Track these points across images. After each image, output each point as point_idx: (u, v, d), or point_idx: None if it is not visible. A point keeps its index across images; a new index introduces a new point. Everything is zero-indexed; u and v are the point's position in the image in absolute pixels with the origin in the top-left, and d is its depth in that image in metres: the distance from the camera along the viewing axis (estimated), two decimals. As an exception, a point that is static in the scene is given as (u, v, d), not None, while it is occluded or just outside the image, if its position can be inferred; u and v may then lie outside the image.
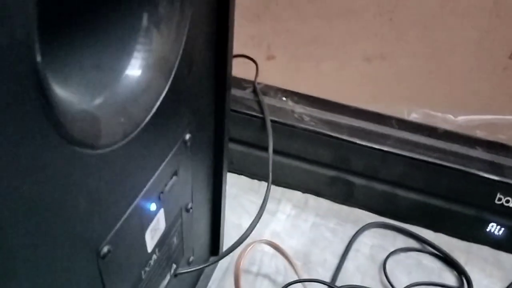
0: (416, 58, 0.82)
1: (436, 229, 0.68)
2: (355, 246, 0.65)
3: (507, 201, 0.63)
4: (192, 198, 0.45)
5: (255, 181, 0.73)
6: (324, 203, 0.71)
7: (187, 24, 0.33)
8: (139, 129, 0.30)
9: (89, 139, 0.25)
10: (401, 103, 0.81)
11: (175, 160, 0.38)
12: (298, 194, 0.72)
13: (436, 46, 0.80)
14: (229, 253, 0.51)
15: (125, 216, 0.31)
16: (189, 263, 0.50)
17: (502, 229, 0.65)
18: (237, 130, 0.70)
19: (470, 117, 0.75)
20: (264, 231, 0.66)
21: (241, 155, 0.72)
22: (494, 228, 0.65)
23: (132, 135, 0.29)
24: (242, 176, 0.73)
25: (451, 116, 0.76)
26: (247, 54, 0.83)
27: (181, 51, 0.33)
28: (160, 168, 0.36)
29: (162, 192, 0.37)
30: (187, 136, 0.39)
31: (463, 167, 0.64)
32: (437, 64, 0.81)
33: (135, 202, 0.32)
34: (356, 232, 0.66)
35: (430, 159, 0.64)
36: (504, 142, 0.69)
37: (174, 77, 0.33)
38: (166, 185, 0.38)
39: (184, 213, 0.44)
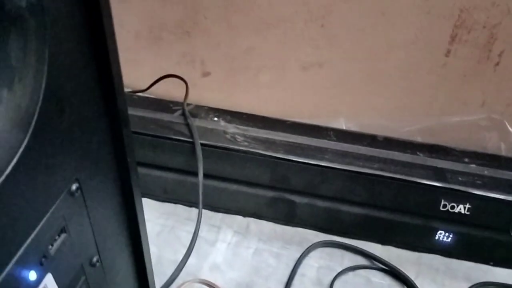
0: (352, 63, 0.79)
1: (384, 242, 0.65)
2: (300, 270, 0.61)
3: (452, 207, 0.60)
4: (98, 250, 0.40)
5: (193, 209, 0.69)
6: (267, 226, 0.67)
7: (46, 69, 0.28)
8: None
9: None
10: (340, 111, 0.78)
11: (60, 216, 0.33)
12: (239, 218, 0.68)
13: (371, 49, 0.77)
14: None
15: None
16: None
17: (451, 235, 0.63)
18: (168, 157, 0.66)
19: (410, 122, 0.73)
20: (203, 264, 0.61)
21: (175, 183, 0.67)
22: (442, 236, 0.63)
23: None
24: (179, 205, 0.69)
25: (391, 122, 0.74)
26: (181, 73, 0.79)
27: (41, 97, 0.29)
28: (37, 229, 0.31)
29: (44, 257, 0.32)
30: (74, 186, 0.34)
31: (405, 176, 0.61)
32: (374, 68, 0.78)
33: (-1, 279, 0.27)
34: (301, 255, 0.62)
35: (370, 171, 0.61)
36: (446, 144, 0.67)
37: (36, 126, 0.28)
38: (51, 246, 0.33)
39: (88, 268, 0.39)
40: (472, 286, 0.59)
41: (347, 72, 0.80)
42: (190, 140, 0.64)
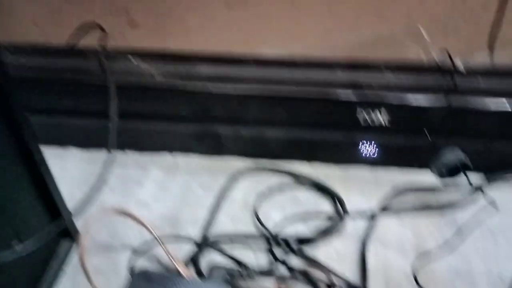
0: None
1: (310, 161, 0.65)
2: (228, 196, 0.62)
3: (372, 119, 0.60)
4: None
5: (119, 153, 0.68)
6: (195, 160, 0.67)
7: None
8: None
9: None
10: (264, 41, 0.77)
11: None
12: (166, 156, 0.68)
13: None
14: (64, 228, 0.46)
15: None
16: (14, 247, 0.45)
17: (374, 146, 0.63)
18: (87, 102, 0.65)
19: (331, 40, 0.72)
20: (129, 202, 0.61)
21: (98, 130, 0.66)
22: (366, 147, 0.63)
23: None
24: (105, 150, 0.68)
25: (313, 45, 0.73)
26: (106, 24, 0.77)
27: None
28: None
29: None
30: None
31: (325, 93, 0.61)
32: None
33: None
34: (228, 182, 0.63)
35: (287, 94, 0.61)
36: (367, 60, 0.67)
37: None
38: None
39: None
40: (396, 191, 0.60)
41: (271, 4, 0.79)
42: (107, 84, 0.63)
